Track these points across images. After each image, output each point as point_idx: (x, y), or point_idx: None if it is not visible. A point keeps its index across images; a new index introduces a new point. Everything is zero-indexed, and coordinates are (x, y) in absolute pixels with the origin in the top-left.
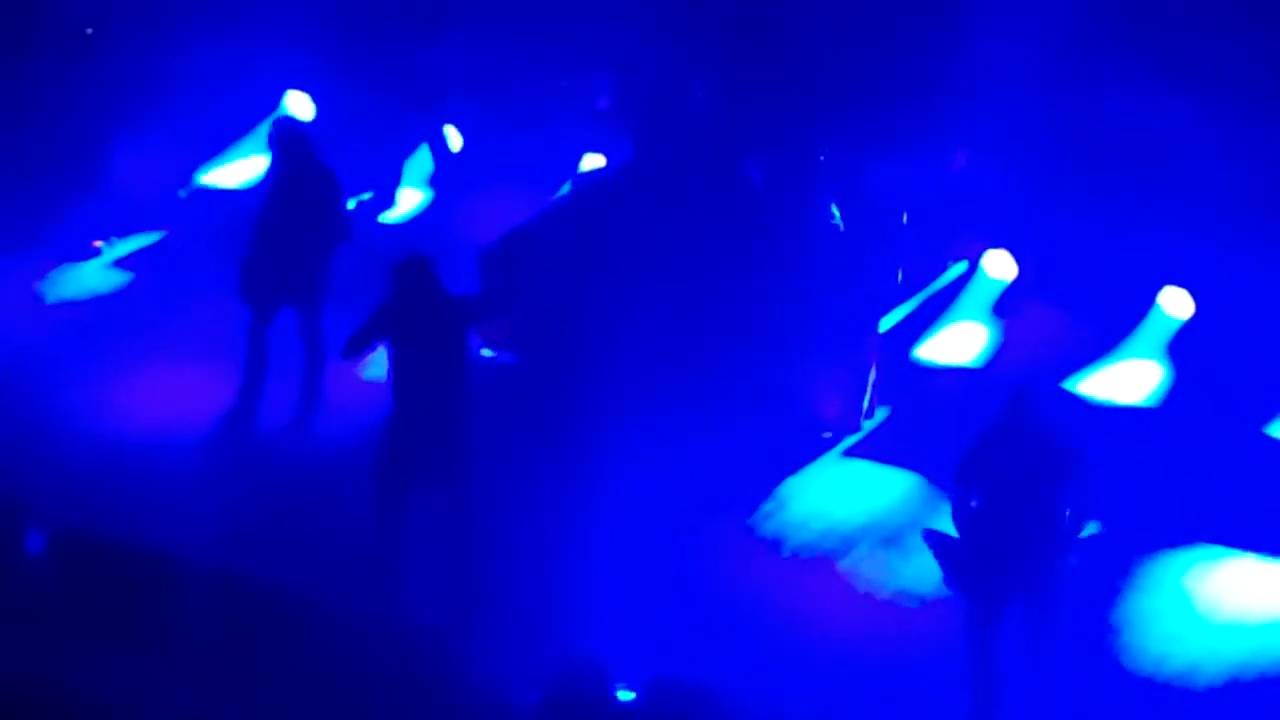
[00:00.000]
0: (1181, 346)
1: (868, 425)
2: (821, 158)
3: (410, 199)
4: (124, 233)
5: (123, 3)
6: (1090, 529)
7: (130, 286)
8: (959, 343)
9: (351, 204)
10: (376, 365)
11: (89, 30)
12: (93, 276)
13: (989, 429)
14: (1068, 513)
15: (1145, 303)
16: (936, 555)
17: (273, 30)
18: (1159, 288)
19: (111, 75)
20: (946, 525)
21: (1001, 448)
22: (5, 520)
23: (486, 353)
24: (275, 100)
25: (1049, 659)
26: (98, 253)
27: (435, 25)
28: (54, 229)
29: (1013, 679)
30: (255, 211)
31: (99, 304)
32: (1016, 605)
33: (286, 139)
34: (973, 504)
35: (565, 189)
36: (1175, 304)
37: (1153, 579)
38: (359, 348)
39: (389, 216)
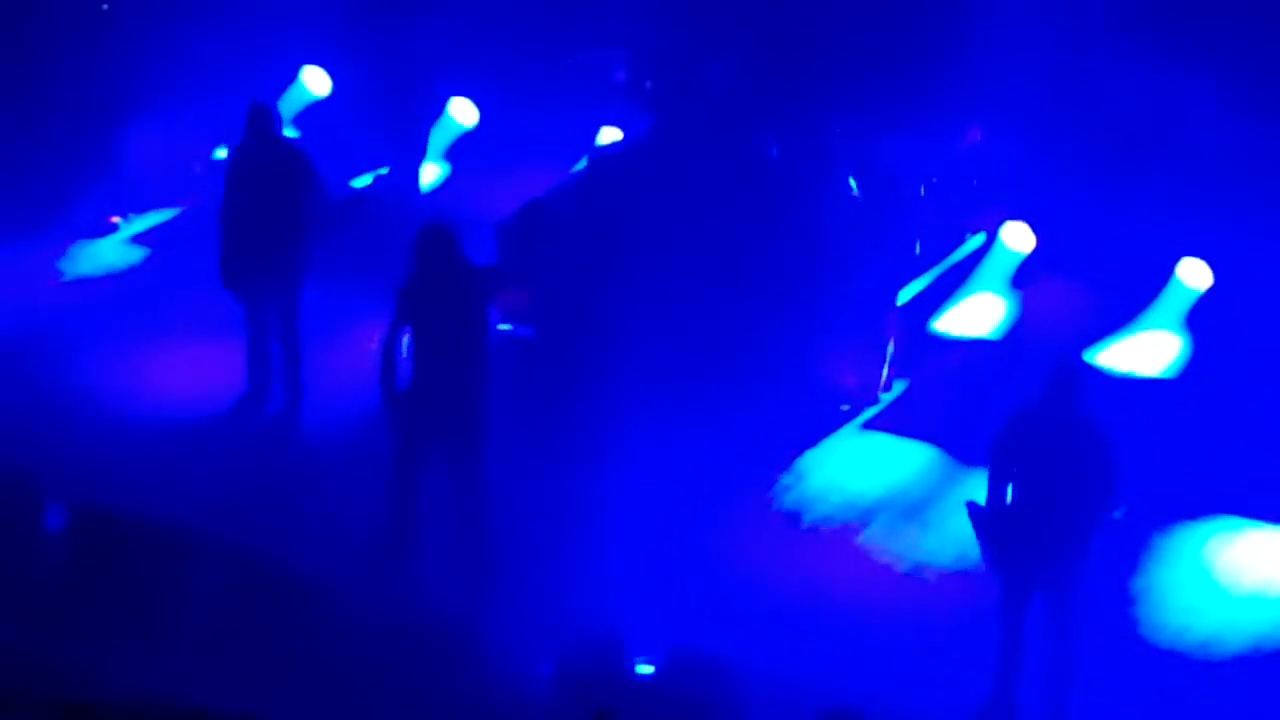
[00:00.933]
0: (1200, 318)
1: (886, 398)
2: (838, 131)
3: (428, 173)
4: (140, 209)
5: None
6: (1121, 509)
7: (147, 262)
8: (977, 315)
9: (358, 182)
10: None
11: (105, 6)
12: (110, 253)
13: (1028, 405)
14: (1099, 490)
15: (1163, 274)
16: (975, 528)
17: (288, 5)
18: (1177, 259)
19: (128, 52)
20: (979, 498)
21: (1039, 423)
22: (22, 494)
23: (504, 326)
24: (291, 76)
25: (1072, 634)
26: (114, 229)
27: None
28: (71, 206)
29: (1036, 652)
30: (222, 197)
31: (116, 280)
32: (1046, 581)
33: (252, 122)
34: (1009, 478)
35: (582, 163)
36: (1193, 275)
37: (1172, 551)
38: (394, 337)
39: (410, 191)
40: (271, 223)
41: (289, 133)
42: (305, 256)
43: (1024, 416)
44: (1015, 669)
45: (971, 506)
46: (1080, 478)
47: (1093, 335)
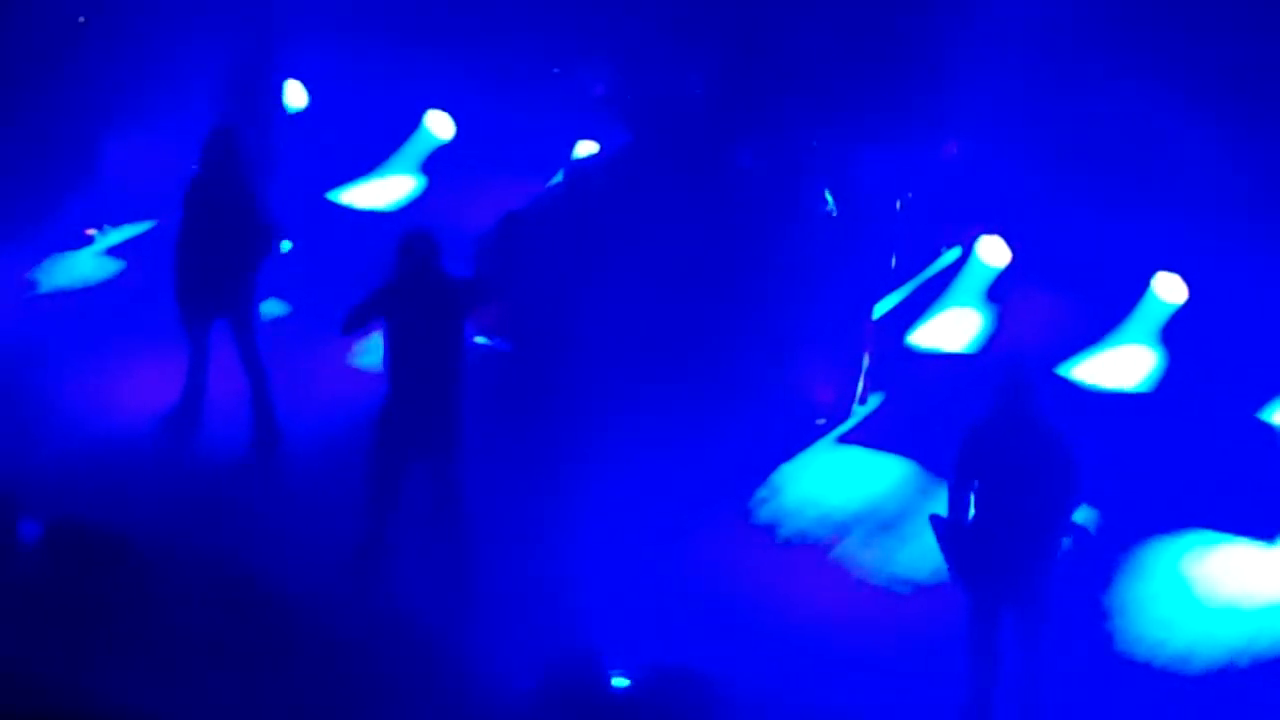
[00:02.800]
0: (1175, 332)
1: (861, 411)
2: (814, 144)
3: (403, 186)
4: (117, 221)
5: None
6: (1082, 513)
7: (122, 275)
8: (952, 329)
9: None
10: (368, 353)
11: (82, 19)
12: (85, 265)
13: (982, 415)
14: (1060, 497)
15: (1139, 288)
16: (939, 540)
17: (268, 18)
18: (1152, 273)
19: (104, 64)
20: (945, 511)
21: (994, 433)
22: None
23: (481, 340)
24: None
25: (1044, 646)
26: (90, 241)
27: (429, 11)
28: (47, 218)
29: (1010, 666)
30: (177, 222)
31: (91, 293)
32: (1014, 593)
33: (208, 148)
34: (971, 491)
35: (559, 177)
36: (1168, 289)
37: (1147, 564)
38: (357, 324)
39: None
40: (221, 250)
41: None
42: (255, 284)
43: (979, 427)
44: (989, 683)
45: (935, 519)
46: (1039, 483)
47: (1068, 349)
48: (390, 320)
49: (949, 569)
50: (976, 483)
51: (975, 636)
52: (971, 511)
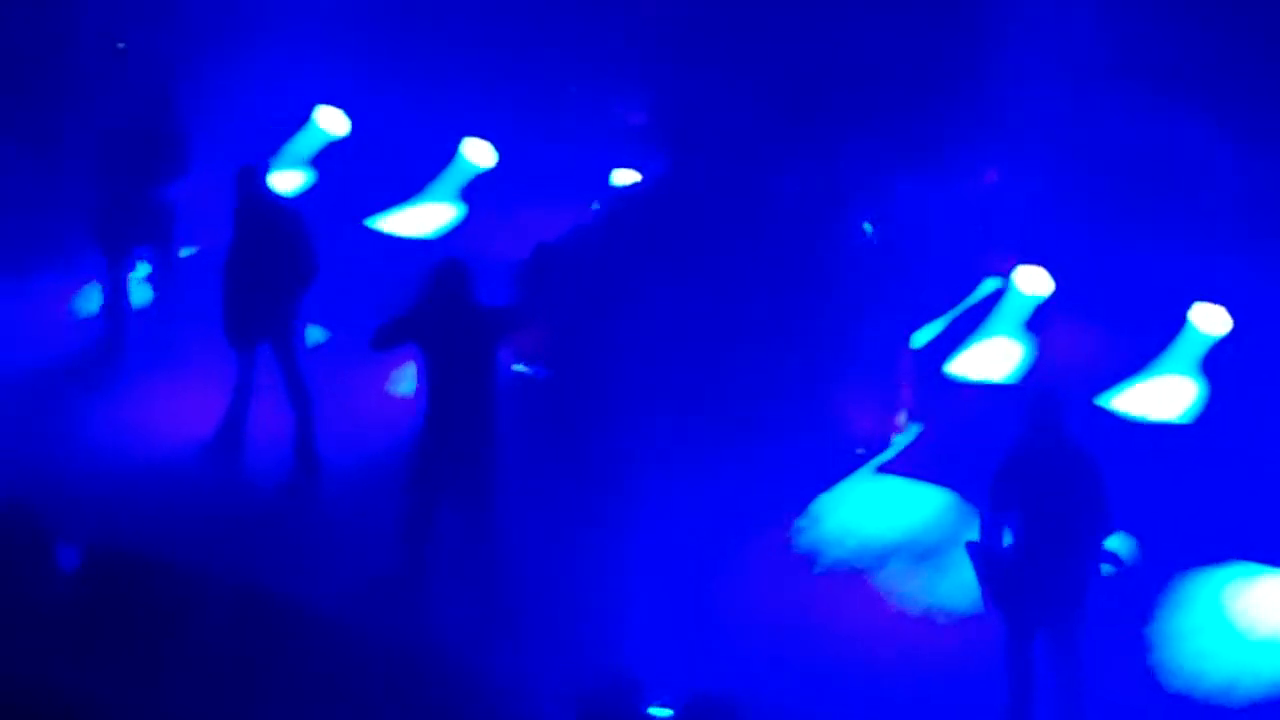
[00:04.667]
0: (1215, 362)
1: (900, 441)
2: (853, 173)
3: (442, 213)
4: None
5: (156, 16)
6: (1116, 540)
7: (160, 300)
8: (992, 358)
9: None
10: (406, 381)
11: (121, 45)
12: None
13: (1015, 442)
14: (1093, 523)
15: (1179, 319)
16: (975, 568)
17: (306, 43)
18: (1192, 303)
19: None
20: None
21: (1027, 460)
22: (30, 530)
23: (519, 367)
24: (307, 113)
25: (1081, 674)
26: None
27: (467, 38)
28: (86, 244)
29: (1048, 695)
30: (223, 247)
31: (131, 319)
32: (1048, 620)
33: (243, 181)
34: (1004, 518)
35: (598, 204)
36: (1209, 320)
37: (1188, 596)
38: (387, 342)
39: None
40: (264, 280)
41: (301, 175)
42: (298, 311)
43: (1012, 454)
44: (1028, 712)
45: (970, 546)
46: (1071, 509)
47: (1108, 379)
48: (425, 348)
49: (983, 596)
50: (1010, 510)
51: (1011, 664)
52: (1007, 539)
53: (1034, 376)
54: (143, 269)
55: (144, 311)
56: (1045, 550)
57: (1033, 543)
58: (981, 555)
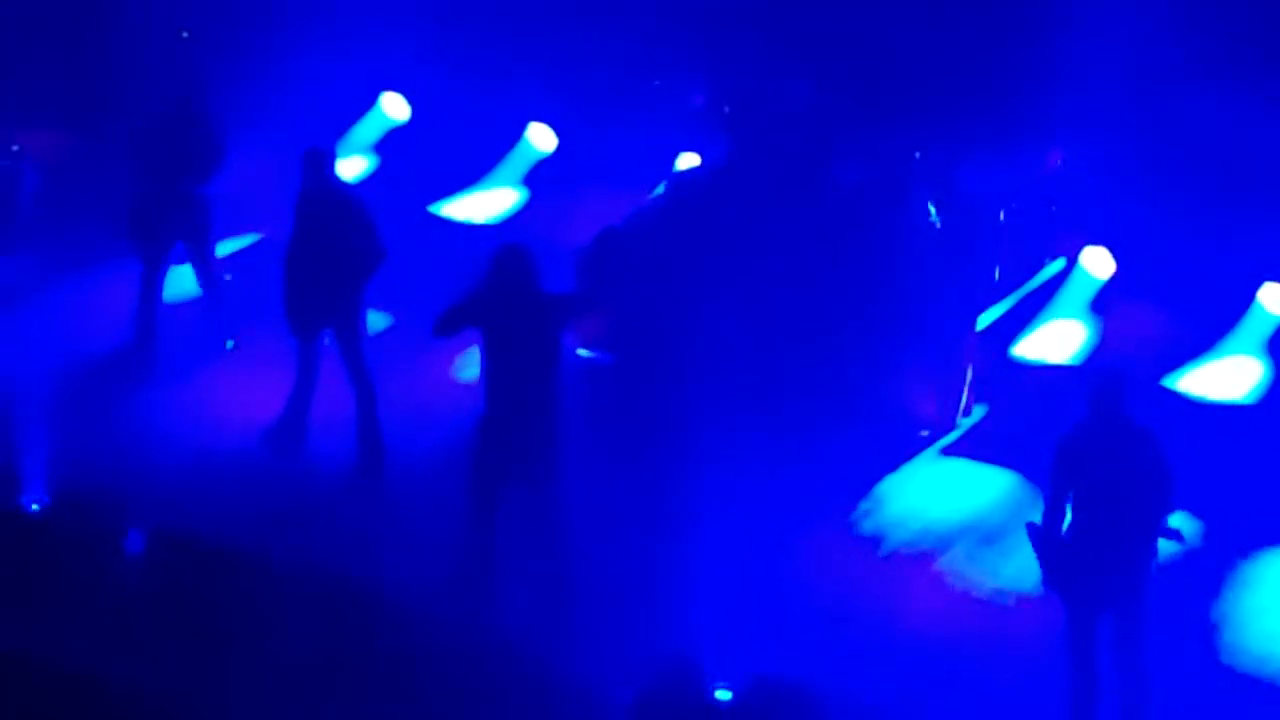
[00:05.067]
0: None
1: (965, 423)
2: (917, 156)
3: (506, 198)
4: (222, 234)
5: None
6: (1178, 519)
7: (230, 288)
8: (1057, 340)
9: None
10: (470, 367)
11: (184, 33)
12: (191, 278)
13: (1077, 423)
14: (1155, 503)
15: (1245, 299)
16: (1034, 548)
17: (370, 29)
18: (1259, 284)
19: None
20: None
21: (1089, 440)
22: (105, 520)
23: (582, 353)
24: (371, 99)
25: (1144, 656)
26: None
27: (530, 22)
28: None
29: (1111, 677)
30: (287, 238)
31: (199, 306)
32: (1110, 601)
33: (309, 164)
34: (1066, 499)
35: (661, 188)
36: (1276, 300)
37: (1255, 577)
38: (449, 328)
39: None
40: (328, 267)
41: (365, 161)
42: (362, 298)
43: (1074, 435)
44: (1091, 694)
45: (1031, 527)
46: (1134, 489)
47: (1174, 360)
48: (487, 335)
49: (1044, 577)
50: (1072, 491)
51: (1074, 645)
52: (1068, 519)
53: (1098, 358)
54: (181, 264)
55: (194, 303)
56: (1107, 532)
57: (1095, 524)
58: (1041, 537)
